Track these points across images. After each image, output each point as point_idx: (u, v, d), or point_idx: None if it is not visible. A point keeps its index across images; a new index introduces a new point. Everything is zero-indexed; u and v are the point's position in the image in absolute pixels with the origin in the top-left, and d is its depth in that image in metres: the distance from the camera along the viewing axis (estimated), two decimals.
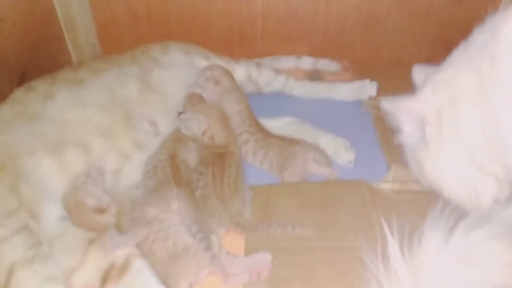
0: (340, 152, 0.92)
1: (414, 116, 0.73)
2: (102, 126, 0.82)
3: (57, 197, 0.74)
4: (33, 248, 0.64)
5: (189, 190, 0.81)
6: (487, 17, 0.70)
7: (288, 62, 1.21)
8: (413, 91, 0.77)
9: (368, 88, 1.09)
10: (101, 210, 0.74)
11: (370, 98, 1.09)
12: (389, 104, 0.75)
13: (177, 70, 1.00)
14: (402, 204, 0.80)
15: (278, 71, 1.12)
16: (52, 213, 0.72)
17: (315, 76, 1.20)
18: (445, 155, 0.70)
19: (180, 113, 0.91)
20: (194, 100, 0.93)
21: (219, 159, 0.84)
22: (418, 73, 0.80)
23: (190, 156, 0.87)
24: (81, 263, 0.68)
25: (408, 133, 0.76)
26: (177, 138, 0.89)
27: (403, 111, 0.74)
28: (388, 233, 0.63)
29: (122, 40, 1.24)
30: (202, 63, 1.05)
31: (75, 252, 0.69)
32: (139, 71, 0.94)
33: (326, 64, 1.21)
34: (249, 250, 0.74)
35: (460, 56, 0.71)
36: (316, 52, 1.23)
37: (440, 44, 1.19)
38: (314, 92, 1.12)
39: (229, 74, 1.00)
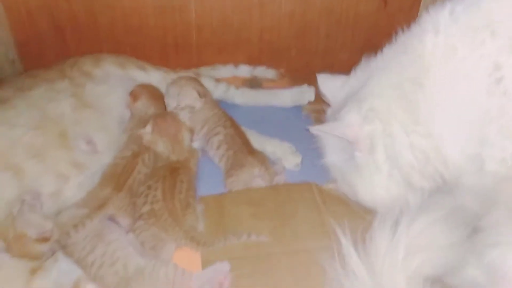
0: (287, 156, 0.93)
1: (341, 141, 0.74)
2: (34, 146, 0.76)
3: None
4: None
5: (128, 199, 0.78)
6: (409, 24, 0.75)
7: (225, 71, 1.21)
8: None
9: (306, 93, 1.12)
10: (44, 239, 0.67)
11: (309, 102, 1.12)
12: (320, 129, 0.77)
13: (112, 84, 0.95)
14: (351, 202, 0.82)
15: (218, 80, 1.11)
16: None
17: (253, 83, 1.21)
18: (379, 178, 0.73)
19: None
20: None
21: (171, 174, 0.81)
22: (323, 82, 0.85)
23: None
24: None
25: (332, 155, 0.79)
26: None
27: (335, 133, 0.74)
28: (340, 234, 0.65)
29: (45, 55, 1.16)
30: (139, 74, 1.01)
31: (16, 284, 0.62)
32: (70, 86, 0.89)
33: (263, 72, 1.23)
34: (206, 263, 0.71)
35: (380, 81, 0.72)
36: (252, 61, 1.23)
37: (369, 49, 1.24)
38: (255, 99, 1.12)
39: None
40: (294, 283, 0.69)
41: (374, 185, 0.74)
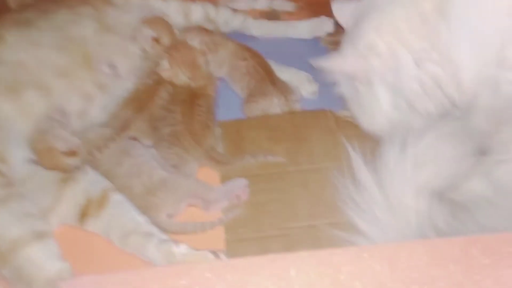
0: (304, 84, 0.95)
1: (344, 74, 0.78)
2: (60, 66, 0.79)
3: (23, 140, 0.71)
4: (5, 187, 0.62)
5: (148, 122, 0.82)
6: None
7: (243, 3, 1.20)
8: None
9: (325, 25, 1.11)
10: (72, 152, 0.72)
11: (328, 34, 1.11)
12: (322, 63, 0.79)
13: (133, 11, 0.95)
14: None
15: (235, 10, 1.11)
16: (19, 156, 0.69)
17: (271, 16, 1.20)
18: (379, 109, 0.75)
19: None
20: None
21: (190, 98, 0.84)
22: (339, 10, 0.85)
23: None
24: (57, 202, 0.68)
25: (344, 86, 0.81)
26: None
27: (336, 69, 0.78)
28: (351, 151, 0.68)
29: None
30: (158, 3, 1.01)
31: (49, 192, 0.68)
32: (93, 11, 0.90)
33: (281, 4, 1.21)
34: (225, 179, 0.75)
35: (387, 14, 0.73)
36: None
37: None
38: (272, 30, 1.12)
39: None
40: (307, 198, 0.72)
41: (375, 115, 0.77)
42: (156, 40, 0.92)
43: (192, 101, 0.84)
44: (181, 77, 0.87)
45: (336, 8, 0.86)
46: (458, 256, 0.45)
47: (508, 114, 0.62)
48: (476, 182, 0.63)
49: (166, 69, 0.87)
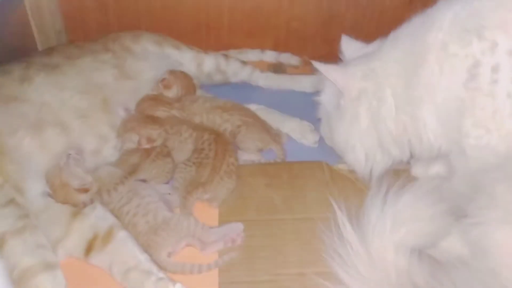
0: (306, 133, 1.01)
1: (334, 85, 0.83)
2: (80, 108, 0.86)
3: (40, 174, 0.77)
4: (22, 219, 0.67)
5: (155, 163, 0.87)
6: None
7: (252, 55, 1.29)
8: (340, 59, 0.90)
9: None
10: (84, 190, 0.78)
11: None
12: (320, 66, 0.84)
13: (150, 60, 1.04)
14: (356, 181, 0.89)
15: (244, 63, 1.19)
16: (35, 189, 0.75)
17: (277, 69, 1.28)
18: (356, 128, 0.82)
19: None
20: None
21: (223, 143, 0.90)
22: (346, 43, 0.92)
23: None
24: (66, 234, 0.73)
25: (326, 96, 0.88)
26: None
27: (329, 76, 0.83)
28: (336, 208, 0.72)
29: (88, 28, 1.25)
30: (173, 53, 1.10)
31: (59, 224, 0.73)
32: (113, 58, 0.98)
33: (287, 58, 1.30)
34: (222, 222, 0.80)
35: (390, 52, 0.80)
36: (279, 47, 1.31)
37: None
38: (277, 83, 1.20)
39: None
40: (298, 246, 0.77)
41: (350, 132, 0.83)
42: (165, 85, 1.01)
43: (225, 147, 0.89)
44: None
45: (345, 41, 0.92)
46: None
47: (483, 181, 0.67)
48: (453, 241, 0.68)
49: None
